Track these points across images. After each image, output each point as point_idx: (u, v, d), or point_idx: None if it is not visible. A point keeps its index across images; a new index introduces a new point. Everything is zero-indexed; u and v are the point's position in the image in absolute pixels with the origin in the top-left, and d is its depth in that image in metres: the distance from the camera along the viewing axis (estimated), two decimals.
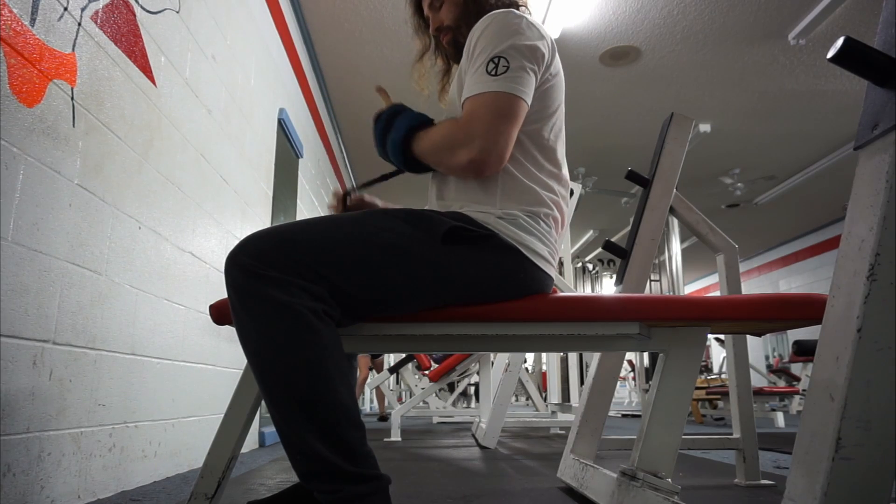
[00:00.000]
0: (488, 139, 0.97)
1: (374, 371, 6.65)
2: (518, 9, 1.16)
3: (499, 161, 0.99)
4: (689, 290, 13.05)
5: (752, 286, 10.86)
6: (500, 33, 1.02)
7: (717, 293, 3.95)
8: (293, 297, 0.85)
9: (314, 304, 0.87)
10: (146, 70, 1.85)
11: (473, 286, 0.99)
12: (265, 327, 0.85)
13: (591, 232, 9.04)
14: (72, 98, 1.47)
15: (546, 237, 1.06)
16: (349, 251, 0.92)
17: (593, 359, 1.83)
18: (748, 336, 1.52)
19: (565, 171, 1.14)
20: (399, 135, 1.08)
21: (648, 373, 6.81)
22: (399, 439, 3.59)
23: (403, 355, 5.36)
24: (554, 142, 1.11)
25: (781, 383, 7.64)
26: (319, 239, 0.92)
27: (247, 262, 0.87)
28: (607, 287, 9.93)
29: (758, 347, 10.77)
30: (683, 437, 1.61)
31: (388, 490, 0.88)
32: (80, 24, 1.50)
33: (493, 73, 0.98)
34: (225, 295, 1.06)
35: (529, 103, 1.02)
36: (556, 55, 1.12)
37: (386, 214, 0.99)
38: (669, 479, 1.02)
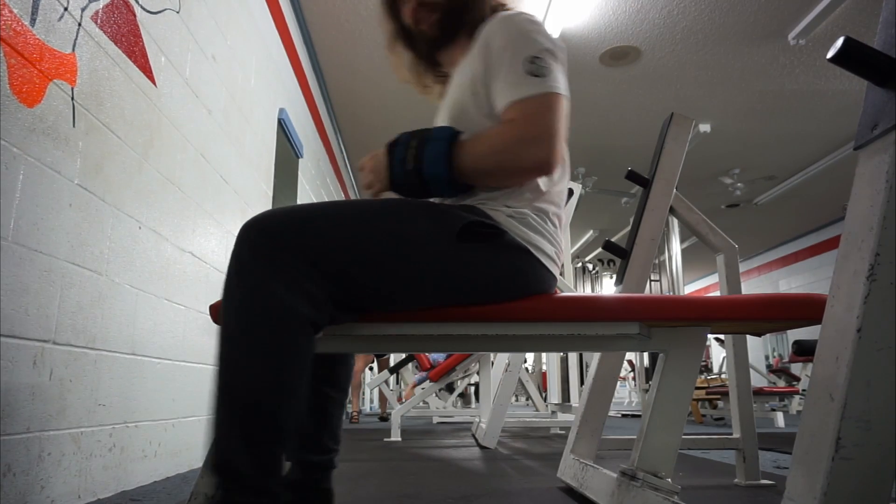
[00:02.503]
0: (557, 139, 0.98)
1: (374, 370, 6.64)
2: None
3: (562, 161, 1.03)
4: (689, 290, 13.05)
5: (752, 286, 10.86)
6: (528, 35, 1.02)
7: (717, 293, 3.95)
8: (289, 296, 0.83)
9: (306, 311, 0.85)
10: (146, 70, 1.85)
11: (483, 284, 0.99)
12: (247, 315, 0.83)
13: (591, 232, 9.05)
14: (72, 98, 1.47)
15: (553, 237, 1.07)
16: (371, 246, 0.91)
17: (593, 359, 1.83)
18: (748, 336, 1.52)
19: (567, 168, 1.15)
20: (442, 146, 1.01)
21: (648, 373, 6.81)
22: (399, 439, 3.59)
23: (403, 355, 5.36)
24: None
25: (781, 383, 7.63)
26: (343, 230, 0.90)
27: (261, 240, 0.85)
28: (607, 287, 9.93)
29: (758, 347, 10.77)
30: (683, 437, 1.61)
31: None
32: (80, 24, 1.50)
33: (539, 74, 0.99)
34: None
35: None
36: None
37: (408, 206, 0.99)
38: (669, 479, 1.02)
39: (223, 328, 0.85)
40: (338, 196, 6.04)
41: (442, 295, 0.98)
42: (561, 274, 4.87)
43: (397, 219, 0.95)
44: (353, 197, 6.95)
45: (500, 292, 1.00)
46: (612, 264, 9.85)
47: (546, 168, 0.99)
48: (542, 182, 1.06)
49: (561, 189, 1.12)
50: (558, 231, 1.10)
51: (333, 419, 1.25)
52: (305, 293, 0.85)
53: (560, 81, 1.01)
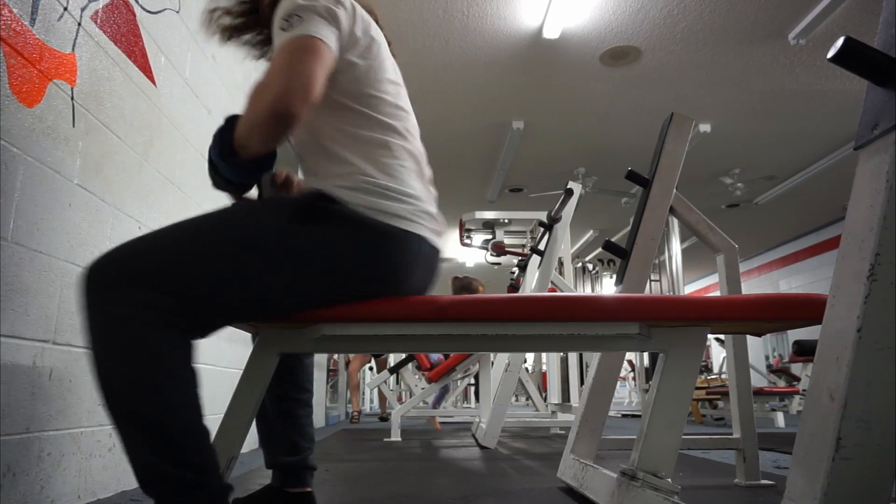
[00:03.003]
0: (288, 74, 0.92)
1: (373, 370, 6.64)
2: None
3: (304, 92, 0.90)
4: (689, 290, 13.05)
5: (752, 286, 10.86)
6: (287, 1, 1.01)
7: (717, 293, 3.95)
8: (131, 311, 0.84)
9: (154, 317, 0.85)
10: (146, 70, 1.85)
11: (339, 268, 0.96)
12: (103, 340, 0.84)
13: (591, 232, 9.05)
14: (72, 98, 1.47)
15: (403, 193, 1.02)
16: (199, 257, 0.90)
17: (593, 359, 1.83)
18: (748, 336, 1.52)
19: (409, 123, 1.13)
20: (219, 128, 1.02)
21: (648, 373, 6.80)
22: (399, 439, 3.59)
23: (403, 355, 5.36)
24: (385, 95, 1.09)
25: (781, 383, 7.63)
26: (169, 248, 0.91)
27: (95, 276, 0.86)
28: (607, 287, 9.94)
29: (758, 347, 10.77)
30: (683, 437, 1.61)
31: (222, 497, 0.88)
32: (80, 24, 1.50)
33: (286, 28, 0.96)
34: None
35: (332, 47, 0.98)
36: (362, 17, 1.10)
37: (245, 208, 1.02)
38: (669, 479, 1.02)
39: (93, 366, 0.85)
40: None
41: (304, 288, 0.96)
42: (561, 274, 4.85)
43: (227, 223, 0.95)
44: None
45: (365, 270, 0.98)
46: (612, 264, 9.85)
47: (283, 107, 0.89)
48: (376, 135, 1.04)
49: (403, 144, 1.07)
50: (412, 180, 1.05)
51: (300, 419, 1.28)
52: (148, 305, 0.85)
53: (308, 26, 0.95)
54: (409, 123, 1.13)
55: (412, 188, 1.04)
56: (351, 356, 6.60)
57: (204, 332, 0.94)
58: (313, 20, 0.97)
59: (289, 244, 0.94)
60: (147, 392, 0.83)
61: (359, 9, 1.11)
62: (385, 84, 1.10)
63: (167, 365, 0.86)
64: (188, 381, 0.89)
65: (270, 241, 0.93)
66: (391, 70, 1.14)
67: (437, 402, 5.42)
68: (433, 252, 1.07)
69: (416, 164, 1.09)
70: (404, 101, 1.15)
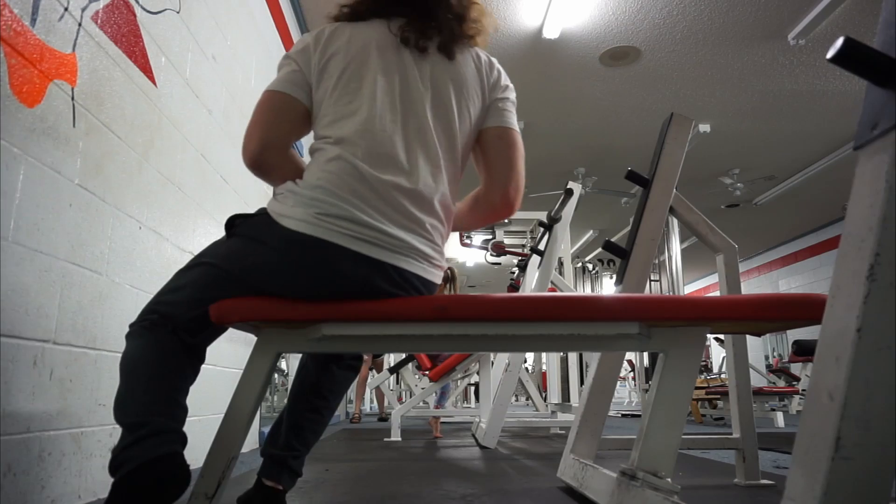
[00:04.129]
0: (248, 132, 1.19)
1: (374, 371, 6.65)
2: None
3: (251, 152, 1.14)
4: (689, 290, 13.05)
5: (752, 286, 10.86)
6: None
7: (717, 293, 3.95)
8: (135, 328, 1.09)
9: (145, 322, 1.07)
10: (146, 70, 1.85)
11: (252, 267, 1.06)
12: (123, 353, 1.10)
13: (591, 232, 9.05)
14: (72, 98, 1.47)
15: (295, 196, 1.05)
16: (180, 281, 1.12)
17: (593, 359, 1.83)
18: (748, 336, 1.52)
19: (361, 111, 1.12)
20: None
21: (648, 373, 6.80)
22: (399, 439, 3.59)
23: (404, 355, 5.36)
24: (326, 111, 1.13)
25: (781, 383, 7.63)
26: (166, 285, 1.13)
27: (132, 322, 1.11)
28: (607, 287, 9.93)
29: (758, 347, 10.77)
30: (683, 437, 1.61)
31: (164, 434, 1.02)
32: (80, 25, 1.50)
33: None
34: None
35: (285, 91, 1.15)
36: (325, 42, 1.17)
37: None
38: (669, 479, 1.02)
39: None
40: None
41: (220, 279, 1.08)
42: (561, 274, 4.85)
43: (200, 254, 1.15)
44: None
45: (274, 264, 1.05)
46: (612, 264, 9.85)
47: (246, 161, 1.14)
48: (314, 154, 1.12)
49: (337, 136, 1.10)
50: (329, 184, 1.06)
51: (304, 422, 1.31)
52: (146, 320, 1.08)
53: (273, 81, 1.17)
54: (353, 121, 1.10)
55: (322, 191, 1.04)
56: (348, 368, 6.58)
57: (188, 332, 1.09)
58: (279, 71, 1.20)
59: (217, 248, 1.13)
60: (129, 378, 1.06)
61: (323, 35, 1.18)
62: (327, 94, 1.13)
63: (148, 357, 1.06)
64: (166, 370, 1.08)
65: (212, 248, 1.15)
66: (338, 68, 1.15)
67: (441, 403, 5.42)
68: (325, 252, 1.03)
69: (348, 167, 1.06)
70: (351, 90, 1.13)
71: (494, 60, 1.26)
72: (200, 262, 1.12)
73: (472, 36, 1.23)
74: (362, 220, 1.02)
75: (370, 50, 1.15)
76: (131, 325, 1.10)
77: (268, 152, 1.13)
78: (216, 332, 1.12)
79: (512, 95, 1.25)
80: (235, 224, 1.12)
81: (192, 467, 2.10)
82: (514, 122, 1.23)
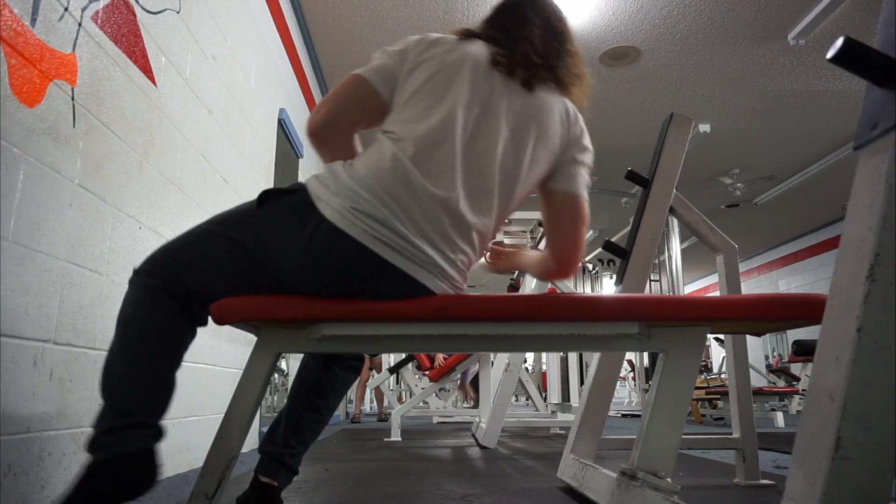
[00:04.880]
0: (319, 107, 1.18)
1: (374, 371, 6.65)
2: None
3: (315, 124, 1.14)
4: (689, 290, 13.05)
5: (752, 286, 10.86)
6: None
7: (717, 293, 3.95)
8: (142, 279, 1.07)
9: (155, 280, 1.05)
10: (146, 70, 1.85)
11: (273, 245, 1.04)
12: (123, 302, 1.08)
13: (591, 232, 9.04)
14: (72, 98, 1.47)
15: (340, 184, 1.03)
16: (190, 236, 1.09)
17: (593, 359, 1.83)
18: (748, 336, 1.52)
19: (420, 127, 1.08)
20: None
21: (648, 373, 6.80)
22: (399, 439, 3.59)
23: (403, 355, 5.36)
24: (402, 108, 1.12)
25: (781, 383, 7.64)
26: (182, 239, 1.10)
27: (140, 265, 1.10)
28: (607, 287, 9.93)
29: (757, 347, 10.77)
30: (683, 437, 1.62)
31: (145, 429, 1.01)
32: (80, 25, 1.50)
33: None
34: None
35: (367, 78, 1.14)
36: (421, 48, 1.16)
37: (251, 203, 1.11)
38: (669, 479, 1.02)
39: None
40: None
41: (258, 266, 1.05)
42: None
43: (225, 216, 1.11)
44: None
45: (290, 244, 1.02)
46: (612, 264, 9.84)
47: (308, 127, 1.15)
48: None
49: (399, 134, 1.09)
50: (369, 177, 1.04)
51: (303, 420, 1.31)
52: (156, 278, 1.05)
53: (363, 67, 1.15)
54: (419, 127, 1.08)
55: (364, 187, 1.02)
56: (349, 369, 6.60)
57: (194, 303, 1.07)
58: (373, 60, 1.18)
59: (242, 218, 1.09)
60: (122, 338, 1.04)
61: (425, 40, 1.17)
62: (409, 94, 1.12)
63: (143, 321, 1.04)
64: (164, 336, 1.05)
65: (235, 215, 1.10)
66: (424, 77, 1.13)
67: (466, 381, 5.33)
68: (338, 239, 1.01)
69: (399, 169, 1.04)
70: (428, 101, 1.11)
71: (581, 117, 1.23)
72: (224, 234, 1.07)
73: (567, 84, 1.21)
74: (395, 227, 1.01)
75: (464, 65, 1.13)
76: (137, 272, 1.07)
77: (329, 129, 1.14)
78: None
79: (589, 159, 1.23)
80: (270, 198, 1.08)
81: (192, 467, 2.10)
82: (584, 189, 1.21)
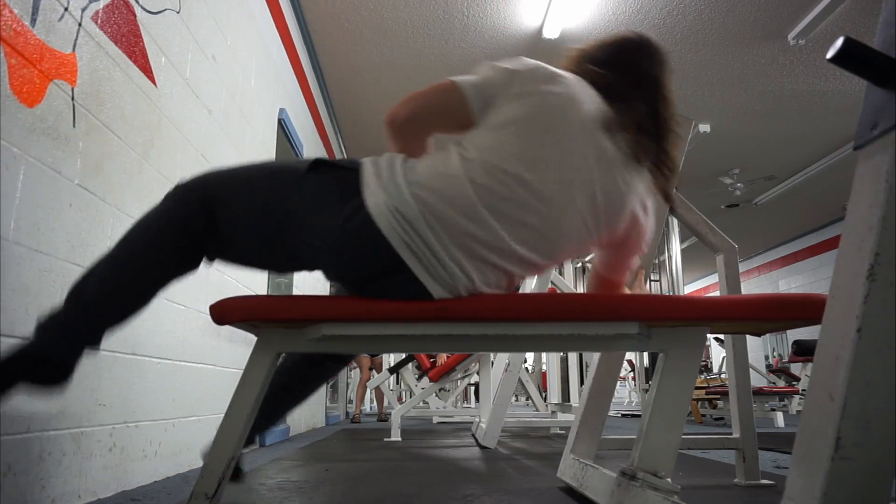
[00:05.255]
0: (403, 99, 1.13)
1: (374, 371, 6.65)
2: None
3: (394, 113, 1.11)
4: (689, 290, 13.05)
5: (752, 286, 10.86)
6: None
7: (717, 293, 3.95)
8: (179, 193, 1.10)
9: (181, 206, 1.08)
10: (146, 70, 1.85)
11: (306, 212, 1.03)
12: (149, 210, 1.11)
13: None
14: (72, 98, 1.47)
15: (381, 176, 1.03)
16: (237, 186, 1.09)
17: (593, 359, 1.83)
18: (748, 336, 1.52)
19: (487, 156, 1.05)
20: None
21: (648, 373, 6.80)
22: (399, 439, 3.59)
23: (403, 355, 5.36)
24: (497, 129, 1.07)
25: (781, 383, 7.64)
26: (229, 175, 1.11)
27: (183, 182, 1.12)
28: None
29: (757, 347, 10.77)
30: (683, 437, 1.61)
31: (81, 341, 1.06)
32: (80, 25, 1.50)
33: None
34: (224, 296, 1.07)
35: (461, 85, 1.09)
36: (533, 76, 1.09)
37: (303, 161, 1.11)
38: (669, 479, 1.02)
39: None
40: None
41: (288, 226, 1.05)
42: (560, 274, 4.86)
43: (274, 166, 1.12)
44: None
45: (321, 215, 1.02)
46: None
47: (388, 115, 1.12)
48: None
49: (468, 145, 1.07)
50: (426, 174, 1.03)
51: (274, 397, 1.30)
52: (184, 203, 1.08)
53: (464, 77, 1.10)
54: (486, 157, 1.04)
55: (406, 184, 1.01)
56: (360, 357, 6.61)
57: (208, 240, 1.09)
58: (476, 70, 1.12)
59: (290, 179, 1.07)
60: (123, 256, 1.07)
61: (542, 71, 1.11)
62: (501, 119, 1.06)
63: (147, 248, 1.07)
64: (160, 248, 1.07)
65: (285, 174, 1.09)
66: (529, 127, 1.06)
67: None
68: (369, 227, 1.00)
69: (458, 190, 1.01)
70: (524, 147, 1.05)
71: (652, 212, 1.22)
72: (266, 188, 1.07)
73: (660, 176, 1.18)
74: (431, 243, 0.99)
75: (569, 117, 1.06)
76: (177, 187, 1.11)
77: (408, 126, 1.11)
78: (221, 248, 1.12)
79: (650, 234, 1.22)
80: (322, 167, 1.07)
81: (192, 467, 2.10)
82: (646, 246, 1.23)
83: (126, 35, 1.73)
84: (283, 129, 3.61)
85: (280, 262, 1.17)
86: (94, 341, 1.07)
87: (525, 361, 4.72)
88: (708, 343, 10.04)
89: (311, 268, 1.10)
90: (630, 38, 1.20)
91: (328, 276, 1.08)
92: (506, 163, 1.02)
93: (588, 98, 1.10)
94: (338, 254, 1.02)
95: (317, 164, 1.06)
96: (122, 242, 1.08)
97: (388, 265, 1.00)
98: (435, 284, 1.02)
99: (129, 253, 1.07)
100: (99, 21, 1.59)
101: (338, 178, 1.05)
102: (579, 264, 9.52)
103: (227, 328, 2.51)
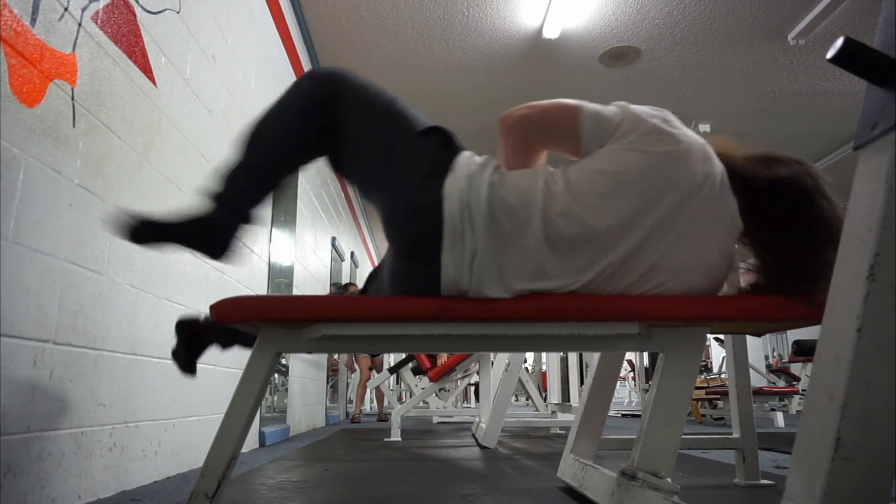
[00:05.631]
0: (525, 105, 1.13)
1: (374, 371, 6.65)
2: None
3: (509, 115, 1.11)
4: None
5: None
6: None
7: None
8: (302, 85, 1.17)
9: (319, 92, 1.13)
10: (146, 70, 1.85)
11: (397, 166, 1.06)
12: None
13: None
14: (72, 98, 1.47)
15: (468, 169, 1.04)
16: (371, 105, 1.12)
17: (593, 359, 1.83)
18: (748, 336, 1.52)
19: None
20: None
21: (648, 373, 6.80)
22: (399, 439, 3.59)
23: (403, 355, 5.36)
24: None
25: (781, 383, 7.64)
26: (371, 90, 1.14)
27: (317, 72, 1.19)
28: None
29: (758, 347, 10.77)
30: (683, 437, 1.61)
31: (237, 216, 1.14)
32: (80, 25, 1.50)
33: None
34: (224, 296, 1.07)
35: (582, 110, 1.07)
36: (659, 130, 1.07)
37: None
38: (669, 479, 1.02)
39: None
40: (339, 198, 6.04)
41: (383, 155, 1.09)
42: None
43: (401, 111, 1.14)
44: (353, 198, 6.96)
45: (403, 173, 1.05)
46: None
47: (504, 115, 1.12)
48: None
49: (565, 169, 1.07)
50: (489, 170, 1.06)
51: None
52: (314, 89, 1.14)
53: (590, 106, 1.07)
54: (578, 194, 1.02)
55: (486, 188, 1.02)
56: (359, 357, 6.62)
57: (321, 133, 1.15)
58: (607, 106, 1.11)
59: (405, 127, 1.10)
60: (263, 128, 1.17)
61: (670, 137, 1.07)
62: (607, 163, 1.04)
63: (283, 119, 1.16)
64: (283, 137, 1.16)
65: (408, 120, 1.11)
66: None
67: None
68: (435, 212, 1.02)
69: (534, 221, 1.01)
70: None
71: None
72: (389, 119, 1.11)
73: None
74: (479, 247, 1.00)
75: (681, 185, 1.01)
76: (313, 70, 1.20)
77: (517, 129, 1.10)
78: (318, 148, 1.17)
79: None
80: (434, 135, 1.09)
81: (192, 467, 2.11)
82: None
83: (126, 35, 1.73)
84: None
85: (364, 183, 1.18)
86: (247, 219, 1.16)
87: (525, 361, 4.72)
88: (708, 343, 10.04)
89: (374, 203, 1.13)
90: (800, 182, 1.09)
91: (385, 226, 1.09)
92: (587, 214, 1.00)
93: (705, 178, 1.03)
94: (394, 216, 1.05)
95: (432, 131, 1.10)
96: (263, 118, 1.16)
97: (427, 249, 1.01)
98: (451, 287, 1.02)
99: (272, 125, 1.16)
100: (99, 21, 1.59)
101: (435, 156, 1.07)
102: None
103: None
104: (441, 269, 1.01)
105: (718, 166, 1.07)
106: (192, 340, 1.40)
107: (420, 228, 1.02)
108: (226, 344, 1.42)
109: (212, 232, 1.14)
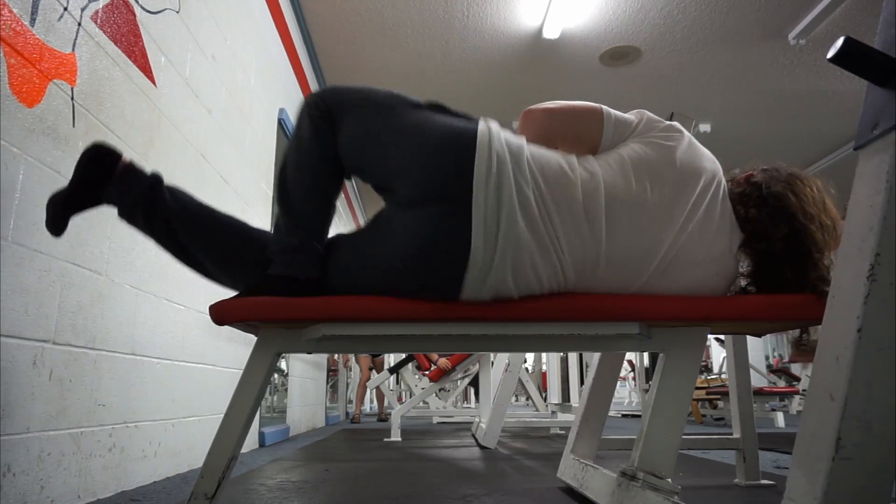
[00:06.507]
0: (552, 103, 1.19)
1: (374, 371, 6.65)
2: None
3: (533, 109, 1.17)
4: None
5: None
6: None
7: None
8: (307, 109, 1.14)
9: (316, 114, 1.12)
10: (146, 70, 1.85)
11: (403, 135, 1.05)
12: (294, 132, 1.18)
13: None
14: (72, 98, 1.47)
15: (515, 142, 1.05)
16: (362, 106, 1.12)
17: (593, 359, 1.83)
18: (748, 336, 1.52)
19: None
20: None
21: (648, 373, 6.80)
22: (399, 439, 3.59)
23: (403, 355, 5.36)
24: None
25: (781, 383, 7.64)
26: (355, 92, 1.15)
27: (309, 100, 1.17)
28: None
29: (758, 347, 10.76)
30: (683, 437, 1.61)
31: (311, 259, 1.10)
32: (80, 24, 1.50)
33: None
34: (223, 296, 1.07)
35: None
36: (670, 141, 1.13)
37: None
38: (669, 479, 1.02)
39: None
40: (339, 197, 6.03)
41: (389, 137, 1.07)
42: None
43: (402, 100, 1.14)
44: (352, 199, 6.95)
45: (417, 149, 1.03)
46: None
47: (531, 107, 1.17)
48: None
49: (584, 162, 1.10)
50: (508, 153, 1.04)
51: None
52: (317, 110, 1.13)
53: (612, 111, 1.18)
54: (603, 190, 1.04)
55: (518, 149, 1.03)
56: (359, 357, 6.62)
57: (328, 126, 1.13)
58: (626, 115, 1.20)
59: (405, 113, 1.11)
60: (289, 173, 1.17)
61: (685, 142, 1.16)
62: (626, 163, 1.09)
63: (306, 152, 1.14)
64: (312, 174, 1.16)
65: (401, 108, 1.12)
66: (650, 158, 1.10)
67: None
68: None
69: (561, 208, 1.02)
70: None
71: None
72: (395, 108, 1.11)
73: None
74: (509, 197, 0.98)
75: (701, 176, 1.09)
76: (305, 100, 1.16)
77: (543, 123, 1.14)
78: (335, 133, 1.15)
79: None
80: (439, 111, 1.12)
81: (192, 467, 2.11)
82: None
83: (126, 35, 1.73)
84: (283, 129, 3.61)
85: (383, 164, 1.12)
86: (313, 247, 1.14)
87: (525, 361, 4.72)
88: (708, 343, 10.04)
89: (394, 176, 1.07)
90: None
91: (397, 182, 1.05)
92: (614, 189, 1.03)
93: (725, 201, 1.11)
94: (425, 151, 1.02)
95: (437, 107, 1.12)
96: (283, 167, 1.19)
97: (454, 186, 0.98)
98: (480, 232, 0.97)
99: (294, 170, 1.16)
100: (98, 21, 1.59)
101: (455, 114, 1.11)
102: None
103: (227, 328, 2.51)
104: (472, 206, 0.97)
105: (720, 169, 1.16)
106: (93, 182, 1.22)
107: (456, 159, 0.99)
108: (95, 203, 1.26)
109: (313, 266, 1.12)
